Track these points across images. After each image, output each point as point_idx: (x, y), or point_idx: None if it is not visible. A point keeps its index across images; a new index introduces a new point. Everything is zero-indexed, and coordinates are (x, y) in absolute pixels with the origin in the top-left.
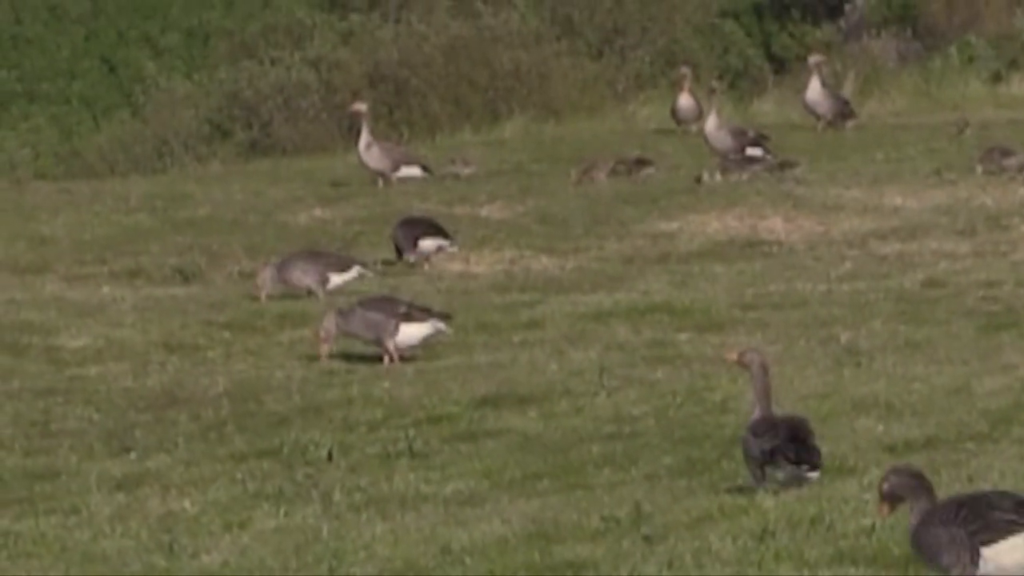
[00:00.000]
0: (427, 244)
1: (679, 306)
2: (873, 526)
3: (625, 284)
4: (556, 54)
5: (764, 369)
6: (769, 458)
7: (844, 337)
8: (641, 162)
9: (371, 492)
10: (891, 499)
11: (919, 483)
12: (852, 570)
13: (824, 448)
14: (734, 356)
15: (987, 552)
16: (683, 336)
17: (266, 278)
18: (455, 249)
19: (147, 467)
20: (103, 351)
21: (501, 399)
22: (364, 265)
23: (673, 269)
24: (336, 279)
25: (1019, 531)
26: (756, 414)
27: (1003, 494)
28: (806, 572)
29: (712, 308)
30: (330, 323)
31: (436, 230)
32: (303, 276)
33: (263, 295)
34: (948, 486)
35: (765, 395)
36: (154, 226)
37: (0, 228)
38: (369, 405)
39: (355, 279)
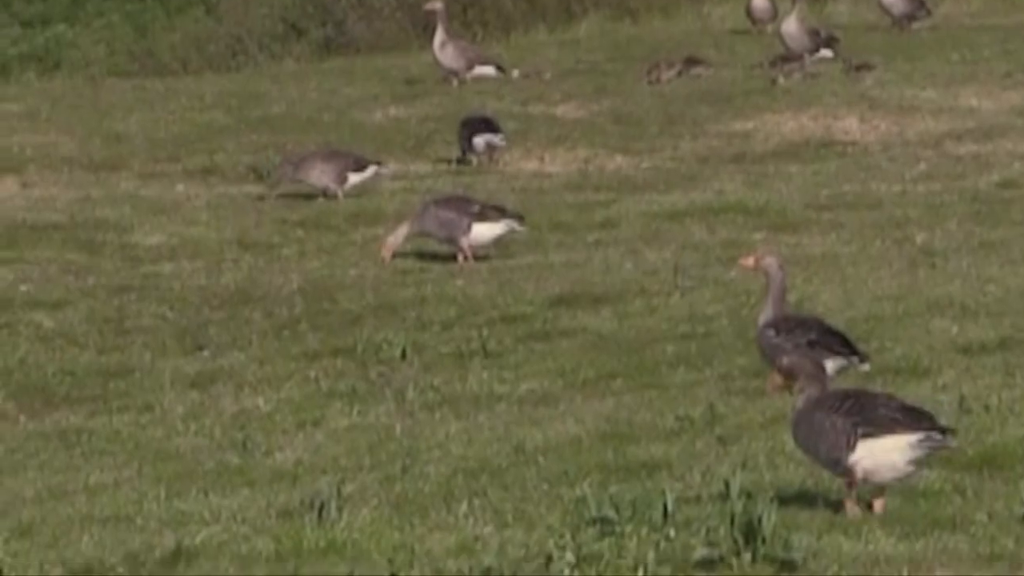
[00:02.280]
0: (478, 141)
1: (753, 206)
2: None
3: (699, 184)
4: None
5: (783, 272)
6: (810, 351)
7: (919, 238)
8: (692, 61)
9: (444, 391)
10: (787, 376)
11: (815, 371)
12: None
13: (898, 350)
14: (751, 262)
15: (866, 444)
16: (758, 236)
17: (283, 175)
18: (503, 143)
19: (220, 365)
20: (177, 249)
21: (575, 299)
22: (379, 164)
23: (748, 169)
24: (354, 179)
25: (900, 431)
26: (769, 314)
27: (891, 396)
28: None
29: (787, 208)
30: (398, 236)
31: (487, 125)
32: (321, 176)
33: (273, 194)
34: (1023, 387)
35: (781, 297)
36: (228, 124)
37: (75, 125)
38: (443, 304)
39: (371, 179)
